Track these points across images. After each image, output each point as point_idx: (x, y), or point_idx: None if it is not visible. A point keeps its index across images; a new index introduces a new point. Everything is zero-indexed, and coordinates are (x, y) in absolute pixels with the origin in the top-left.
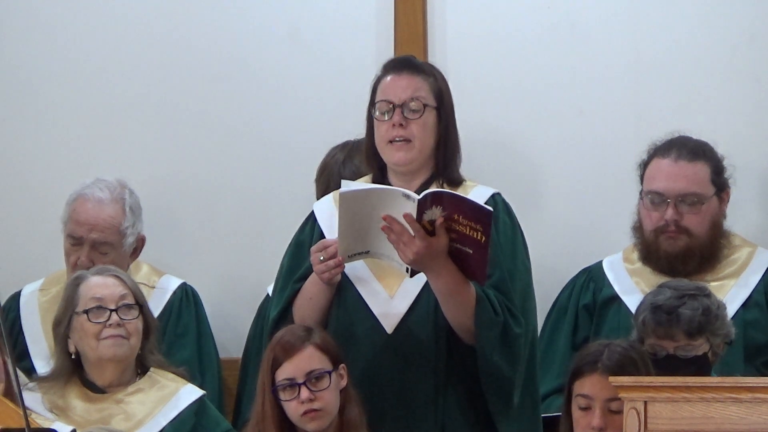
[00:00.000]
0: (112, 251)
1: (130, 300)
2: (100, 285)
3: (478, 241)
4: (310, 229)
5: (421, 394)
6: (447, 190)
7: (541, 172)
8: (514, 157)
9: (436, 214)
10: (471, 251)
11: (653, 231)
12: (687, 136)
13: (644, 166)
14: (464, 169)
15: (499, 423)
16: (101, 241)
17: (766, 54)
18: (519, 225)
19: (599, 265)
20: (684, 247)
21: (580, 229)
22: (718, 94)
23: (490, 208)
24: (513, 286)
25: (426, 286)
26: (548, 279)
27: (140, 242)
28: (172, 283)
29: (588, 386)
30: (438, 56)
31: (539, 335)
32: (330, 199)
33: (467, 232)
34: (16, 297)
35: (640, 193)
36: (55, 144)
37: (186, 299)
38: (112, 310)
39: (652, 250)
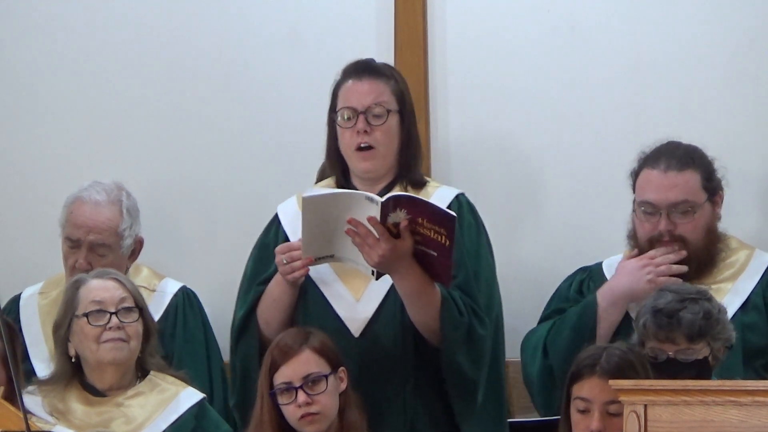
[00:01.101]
0: (109, 253)
1: (129, 303)
2: (100, 288)
3: (442, 245)
4: (275, 231)
5: (389, 395)
6: (410, 194)
7: (540, 173)
8: (513, 158)
9: (400, 216)
10: (435, 254)
11: (648, 241)
12: (676, 142)
13: (635, 175)
14: (463, 171)
15: (462, 423)
16: (99, 243)
17: (765, 56)
18: (483, 225)
19: (599, 266)
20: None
21: (579, 230)
22: (718, 97)
23: (454, 214)
24: (478, 287)
25: (392, 288)
26: (547, 280)
27: (138, 244)
28: (173, 287)
29: (587, 389)
30: (438, 57)
31: (538, 322)
32: (294, 202)
33: (431, 236)
34: (15, 300)
35: (633, 202)
36: (54, 147)
37: (188, 303)
38: (112, 313)
39: None
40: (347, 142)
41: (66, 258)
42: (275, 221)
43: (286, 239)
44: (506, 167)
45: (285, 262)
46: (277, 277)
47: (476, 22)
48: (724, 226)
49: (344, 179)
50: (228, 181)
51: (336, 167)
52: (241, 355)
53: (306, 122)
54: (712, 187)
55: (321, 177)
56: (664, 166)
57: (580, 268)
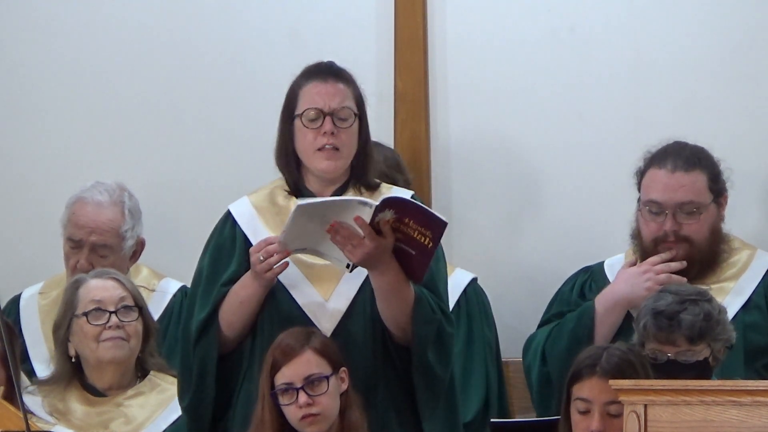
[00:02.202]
0: (111, 254)
1: (129, 302)
2: (100, 288)
3: (424, 246)
4: (231, 231)
5: (360, 393)
6: (406, 198)
7: (540, 175)
8: (513, 160)
9: (387, 215)
10: (414, 252)
11: (652, 240)
12: (683, 142)
13: (641, 174)
14: (463, 171)
15: (426, 422)
16: (100, 244)
17: (765, 57)
18: None
19: (600, 266)
20: (684, 255)
21: (579, 231)
22: (718, 98)
23: (446, 220)
24: (441, 287)
25: (362, 287)
26: (547, 281)
27: (140, 245)
28: (172, 287)
29: (587, 389)
30: (438, 58)
31: (538, 326)
32: (246, 202)
33: (414, 235)
34: (15, 300)
35: (638, 201)
36: (55, 147)
37: None
38: (111, 312)
39: None
40: (309, 142)
41: (67, 258)
42: (228, 221)
43: (246, 239)
44: (506, 167)
45: (261, 259)
46: (246, 280)
47: (476, 22)
48: (727, 226)
49: (299, 178)
50: (227, 181)
51: (291, 167)
52: (200, 356)
53: None
54: (718, 189)
55: None
56: (672, 165)
57: (582, 269)
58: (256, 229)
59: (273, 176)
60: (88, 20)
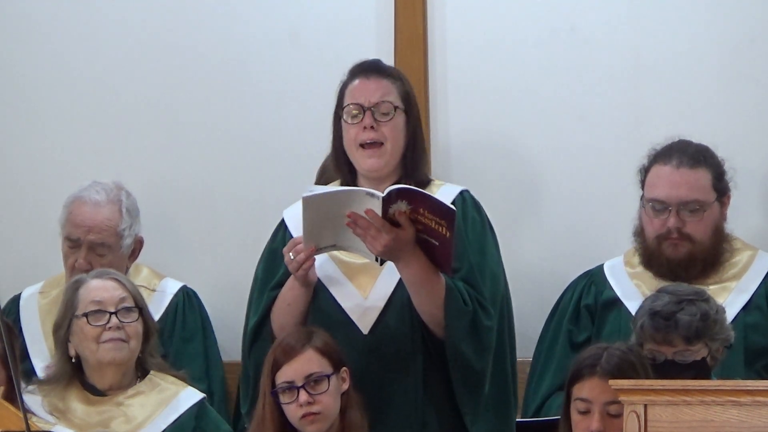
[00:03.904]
0: (109, 253)
1: (129, 303)
2: (100, 288)
3: (443, 235)
4: (282, 236)
5: (400, 393)
6: (411, 186)
7: (540, 175)
8: (513, 160)
9: (401, 207)
10: (437, 243)
11: (656, 238)
12: (687, 140)
13: (645, 171)
14: (463, 171)
15: (469, 417)
16: (99, 242)
17: (766, 57)
18: (488, 220)
19: (600, 268)
20: (687, 253)
21: (579, 232)
22: (719, 98)
23: (453, 207)
24: (483, 281)
25: (399, 285)
26: (548, 282)
27: (138, 244)
28: (173, 287)
29: (587, 390)
30: (438, 59)
31: (540, 338)
32: (299, 205)
33: (432, 225)
34: (15, 300)
35: (641, 198)
36: (53, 148)
37: (189, 302)
38: (111, 313)
39: (654, 256)
40: (352, 138)
41: (66, 258)
42: (282, 226)
43: None
44: (506, 167)
45: (292, 257)
46: (290, 282)
47: (476, 23)
48: (729, 227)
49: (351, 180)
50: (227, 181)
51: (343, 168)
52: (255, 361)
53: (306, 123)
54: (722, 188)
55: (320, 177)
56: (676, 162)
57: (582, 275)
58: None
59: (273, 176)
60: (88, 20)
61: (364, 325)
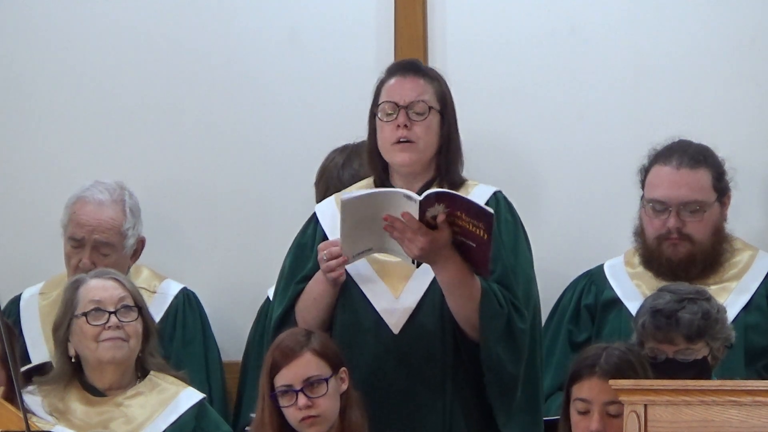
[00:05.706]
0: (113, 253)
1: (129, 302)
2: (99, 288)
3: (480, 238)
4: (312, 230)
5: (427, 393)
6: (449, 190)
7: (541, 175)
8: (513, 160)
9: (438, 210)
10: (474, 245)
11: (656, 238)
12: (687, 140)
13: (645, 171)
14: (464, 173)
15: (501, 420)
16: (103, 242)
17: (766, 57)
18: (521, 222)
19: (600, 268)
20: (687, 253)
21: (580, 232)
22: (719, 98)
23: (492, 211)
24: (516, 283)
25: (431, 286)
26: (549, 282)
27: (140, 244)
28: (173, 288)
29: (586, 390)
30: (438, 59)
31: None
32: (332, 201)
33: (470, 228)
34: (16, 301)
35: (641, 199)
36: (55, 148)
37: (188, 304)
38: (111, 313)
39: (654, 257)
40: (386, 136)
41: (69, 258)
42: (313, 220)
43: (325, 237)
44: (506, 168)
45: (324, 258)
46: (318, 276)
47: (476, 23)
48: (729, 227)
49: (384, 177)
50: (228, 181)
51: (376, 165)
52: None
53: (305, 124)
54: (722, 188)
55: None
56: (677, 162)
57: (582, 275)
58: (334, 227)
59: (273, 176)
60: (88, 20)
61: (395, 324)
